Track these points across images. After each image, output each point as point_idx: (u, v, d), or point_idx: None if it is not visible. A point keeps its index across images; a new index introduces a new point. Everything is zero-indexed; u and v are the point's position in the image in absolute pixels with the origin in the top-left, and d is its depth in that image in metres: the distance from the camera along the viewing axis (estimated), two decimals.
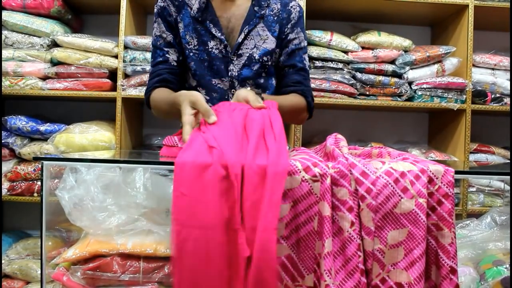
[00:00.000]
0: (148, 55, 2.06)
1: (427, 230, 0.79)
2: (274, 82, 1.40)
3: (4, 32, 2.09)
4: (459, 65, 2.20)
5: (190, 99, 0.97)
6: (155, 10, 1.33)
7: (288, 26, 1.35)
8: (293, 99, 1.33)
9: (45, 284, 0.98)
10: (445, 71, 2.20)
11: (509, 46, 2.29)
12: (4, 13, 2.06)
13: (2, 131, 2.05)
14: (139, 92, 2.05)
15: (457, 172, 0.83)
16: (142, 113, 2.48)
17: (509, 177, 0.95)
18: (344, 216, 0.78)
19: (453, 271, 0.79)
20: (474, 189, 2.23)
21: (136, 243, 1.07)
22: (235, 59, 1.31)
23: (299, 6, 1.39)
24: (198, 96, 0.97)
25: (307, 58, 1.41)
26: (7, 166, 2.06)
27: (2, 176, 2.04)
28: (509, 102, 2.22)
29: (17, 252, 2.03)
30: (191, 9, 1.30)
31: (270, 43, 1.33)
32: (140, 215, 1.12)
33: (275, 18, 1.34)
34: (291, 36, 1.36)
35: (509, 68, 2.24)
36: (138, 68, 2.07)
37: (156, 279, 1.06)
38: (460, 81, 2.16)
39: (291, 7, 1.37)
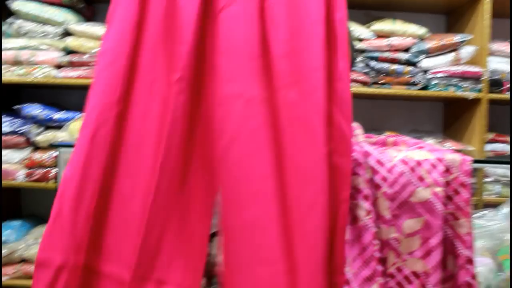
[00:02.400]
0: None
1: (443, 219, 0.79)
2: None
3: (18, 21, 2.10)
4: (475, 54, 2.16)
5: None
6: None
7: None
8: None
9: None
10: (461, 59, 2.16)
11: None
12: (17, 2, 2.07)
13: (14, 119, 2.08)
14: None
15: (474, 162, 0.82)
16: None
17: None
18: (359, 205, 0.78)
19: (470, 261, 0.78)
20: (491, 179, 2.20)
21: None
22: None
23: None
24: None
25: None
26: (23, 153, 2.09)
27: (19, 163, 2.07)
28: None
29: (36, 237, 2.07)
30: None
31: None
32: None
33: None
34: None
35: None
36: None
37: None
38: (476, 70, 2.12)
39: None
